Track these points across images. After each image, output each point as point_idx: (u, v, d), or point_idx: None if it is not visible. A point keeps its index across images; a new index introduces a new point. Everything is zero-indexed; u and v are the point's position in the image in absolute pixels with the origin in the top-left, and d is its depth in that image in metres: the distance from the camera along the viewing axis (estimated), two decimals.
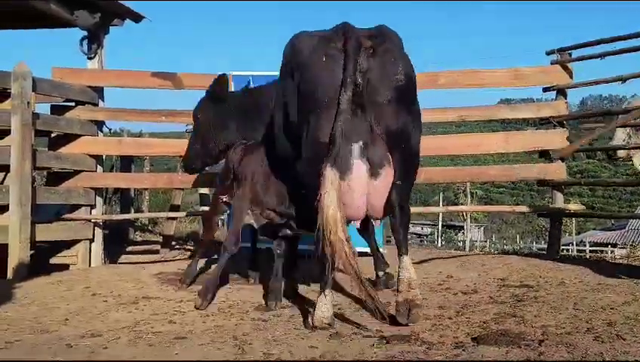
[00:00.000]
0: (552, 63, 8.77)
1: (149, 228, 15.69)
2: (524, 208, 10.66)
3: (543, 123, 8.92)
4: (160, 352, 4.07)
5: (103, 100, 8.91)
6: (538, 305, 5.18)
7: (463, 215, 42.70)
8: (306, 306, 5.45)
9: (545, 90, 8.84)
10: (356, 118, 4.41)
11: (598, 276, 6.55)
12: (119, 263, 9.15)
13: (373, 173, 4.48)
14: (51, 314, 5.28)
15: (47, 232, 7.96)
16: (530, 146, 8.86)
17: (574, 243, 35.67)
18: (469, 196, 31.84)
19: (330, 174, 4.24)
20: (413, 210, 10.37)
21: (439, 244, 32.93)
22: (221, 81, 6.65)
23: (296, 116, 4.68)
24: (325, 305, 4.65)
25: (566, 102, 8.70)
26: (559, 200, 8.70)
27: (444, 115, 8.94)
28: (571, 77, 8.70)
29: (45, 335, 4.57)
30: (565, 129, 8.65)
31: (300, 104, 4.62)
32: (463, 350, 3.98)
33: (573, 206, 8.94)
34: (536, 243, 39.89)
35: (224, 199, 6.20)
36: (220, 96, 6.59)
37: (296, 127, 4.67)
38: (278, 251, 5.74)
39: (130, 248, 11.49)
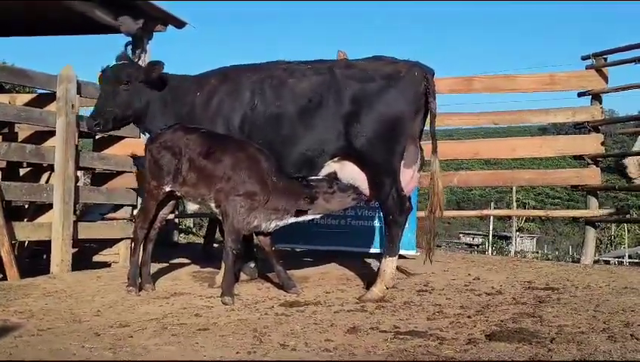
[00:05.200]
0: (587, 68, 8.73)
1: (194, 230, 15.96)
2: (556, 213, 10.67)
3: (578, 128, 8.88)
4: (182, 341, 4.21)
5: None
6: (559, 307, 5.20)
7: (515, 225, 41.96)
8: (325, 304, 5.59)
9: (580, 95, 8.81)
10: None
11: (627, 281, 6.50)
12: (161, 262, 9.33)
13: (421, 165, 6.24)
14: (86, 307, 5.48)
15: (90, 230, 8.18)
16: (565, 151, 8.83)
17: (627, 255, 34.79)
18: (514, 204, 31.39)
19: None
20: (451, 213, 10.45)
21: (490, 254, 32.47)
22: (159, 65, 6.60)
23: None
24: (394, 268, 6.03)
25: (601, 107, 8.66)
26: (593, 205, 8.64)
27: (477, 120, 8.99)
28: (606, 82, 8.64)
29: (76, 325, 4.76)
30: (600, 134, 8.59)
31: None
32: (475, 345, 4.04)
33: (606, 211, 8.86)
34: None
35: (167, 189, 6.09)
36: (156, 75, 6.44)
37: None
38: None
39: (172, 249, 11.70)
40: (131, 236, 8.49)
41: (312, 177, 6.02)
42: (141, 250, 6.37)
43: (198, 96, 6.42)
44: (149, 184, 6.19)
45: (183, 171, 5.99)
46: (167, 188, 6.09)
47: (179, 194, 6.17)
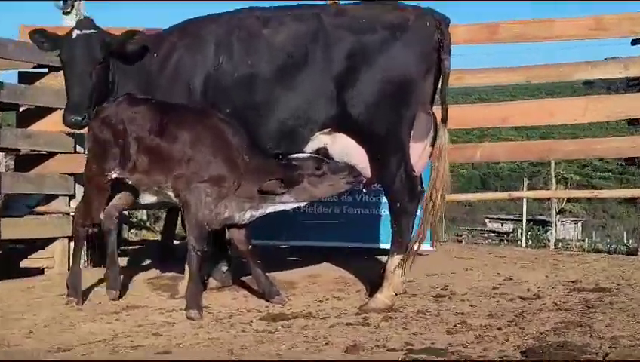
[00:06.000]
0: None
1: (148, 224, 15.92)
2: (607, 193, 10.67)
3: (633, 85, 8.89)
4: None
5: None
6: (612, 313, 5.26)
7: (555, 206, 41.97)
8: (318, 316, 5.63)
9: (634, 42, 8.78)
10: None
11: None
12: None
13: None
14: (14, 326, 5.48)
15: (16, 229, 8.14)
16: (616, 114, 8.82)
17: None
18: (553, 181, 31.27)
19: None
20: (472, 196, 10.50)
21: (523, 244, 32.37)
22: (138, 36, 6.53)
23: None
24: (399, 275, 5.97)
25: None
26: None
27: (508, 77, 8.94)
28: None
29: (3, 350, 4.76)
30: None
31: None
32: None
33: None
34: None
35: (114, 176, 6.08)
36: (134, 48, 6.46)
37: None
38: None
39: (123, 248, 11.65)
40: (70, 235, 8.49)
41: (296, 155, 6.02)
42: (80, 249, 6.38)
43: (155, 58, 6.42)
44: (91, 170, 6.20)
45: (132, 153, 5.97)
46: (114, 175, 6.07)
47: (130, 183, 6.15)
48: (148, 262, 8.56)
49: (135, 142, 5.95)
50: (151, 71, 6.41)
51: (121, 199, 6.45)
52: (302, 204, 6.21)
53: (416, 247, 6.01)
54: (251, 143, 5.97)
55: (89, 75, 6.25)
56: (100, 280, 7.14)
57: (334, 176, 5.93)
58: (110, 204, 6.42)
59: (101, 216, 6.37)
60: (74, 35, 6.31)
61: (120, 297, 6.44)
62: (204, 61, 6.24)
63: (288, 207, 6.07)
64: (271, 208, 6.02)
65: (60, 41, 6.42)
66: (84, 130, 7.41)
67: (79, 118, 6.22)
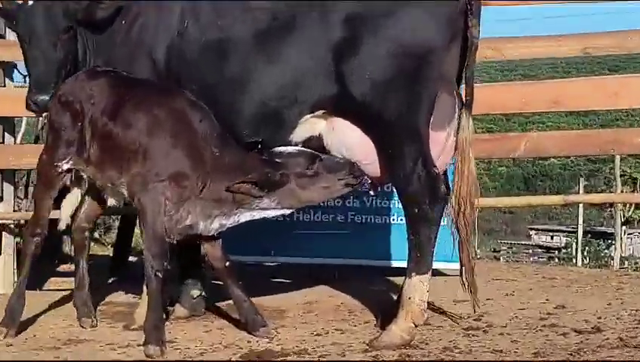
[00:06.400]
0: None
1: (97, 235, 15.91)
2: None
3: None
4: None
5: None
6: None
7: (620, 215, 41.65)
8: (315, 354, 5.62)
9: None
10: None
11: None
12: (46, 290, 9.30)
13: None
14: None
15: None
16: None
17: None
18: (618, 182, 30.85)
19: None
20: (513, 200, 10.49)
21: (579, 263, 32.26)
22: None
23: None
24: (425, 293, 5.91)
25: None
26: None
27: (560, 47, 8.91)
28: None
29: None
30: None
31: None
32: None
33: None
34: None
35: (66, 167, 6.14)
36: (105, 14, 6.51)
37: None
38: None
39: (64, 267, 11.61)
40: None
41: (280, 148, 5.99)
42: (27, 267, 6.38)
43: (122, 25, 6.44)
44: (41, 160, 6.26)
45: (88, 140, 6.00)
46: (65, 166, 6.10)
47: (85, 176, 6.19)
48: (96, 283, 8.51)
49: (89, 125, 5.99)
50: (117, 41, 6.47)
51: (91, 205, 6.46)
52: (287, 211, 6.18)
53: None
54: (223, 132, 5.96)
55: (53, 47, 6.31)
56: (50, 306, 7.18)
57: (330, 176, 5.88)
58: (81, 211, 6.49)
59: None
60: (30, 2, 6.37)
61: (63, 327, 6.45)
62: (168, 25, 6.27)
63: (270, 214, 6.03)
64: (247, 215, 5.99)
65: (14, 11, 6.47)
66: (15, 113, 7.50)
67: (46, 98, 6.25)
